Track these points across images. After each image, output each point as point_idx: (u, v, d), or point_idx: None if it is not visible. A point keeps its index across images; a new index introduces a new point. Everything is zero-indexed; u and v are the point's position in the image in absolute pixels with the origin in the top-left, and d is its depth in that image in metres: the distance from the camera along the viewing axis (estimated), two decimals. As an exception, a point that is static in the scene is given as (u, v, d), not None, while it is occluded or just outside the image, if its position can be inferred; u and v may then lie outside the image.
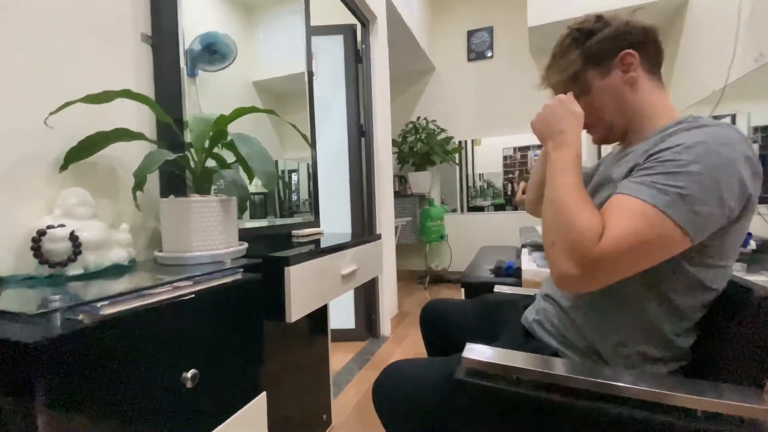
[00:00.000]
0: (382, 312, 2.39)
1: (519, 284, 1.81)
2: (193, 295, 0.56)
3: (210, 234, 0.70)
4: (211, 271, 0.62)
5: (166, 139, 0.84)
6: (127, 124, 0.80)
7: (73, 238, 0.61)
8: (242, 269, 0.68)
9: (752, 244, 1.74)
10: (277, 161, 1.44)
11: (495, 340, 0.86)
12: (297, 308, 0.76)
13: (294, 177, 1.51)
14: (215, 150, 0.83)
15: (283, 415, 1.13)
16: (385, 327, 2.41)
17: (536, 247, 2.04)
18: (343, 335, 2.30)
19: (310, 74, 1.45)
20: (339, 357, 2.09)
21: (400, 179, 4.20)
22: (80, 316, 0.46)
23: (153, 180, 0.86)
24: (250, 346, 0.69)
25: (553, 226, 0.62)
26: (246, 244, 0.79)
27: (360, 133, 2.28)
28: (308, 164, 1.48)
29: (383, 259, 2.40)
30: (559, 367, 0.60)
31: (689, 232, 0.54)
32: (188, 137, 0.79)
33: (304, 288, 0.80)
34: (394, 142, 3.77)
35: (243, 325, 0.68)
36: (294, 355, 1.20)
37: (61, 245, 0.60)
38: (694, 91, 2.54)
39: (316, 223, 1.41)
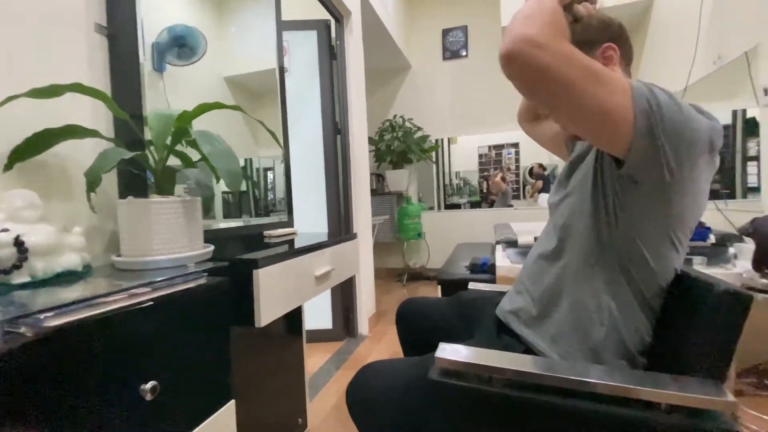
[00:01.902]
0: (359, 311, 2.38)
1: (493, 280, 1.84)
2: (151, 303, 0.53)
3: (172, 236, 0.66)
4: (172, 276, 0.59)
5: (125, 137, 0.79)
6: (81, 120, 0.75)
7: (18, 243, 0.57)
8: (206, 273, 0.65)
9: (712, 238, 1.83)
10: (251, 159, 1.40)
11: (470, 338, 0.86)
12: (267, 312, 0.74)
13: (270, 175, 1.47)
14: (180, 148, 0.79)
15: (256, 422, 1.10)
16: (363, 326, 2.40)
17: (510, 244, 2.07)
18: (320, 336, 2.28)
19: (282, 70, 1.41)
20: (316, 358, 2.06)
21: (378, 177, 4.19)
22: (22, 329, 0.42)
23: (111, 180, 0.81)
24: (217, 353, 0.66)
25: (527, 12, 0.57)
26: (212, 247, 0.76)
27: (336, 130, 2.25)
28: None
29: (360, 258, 2.39)
30: (530, 365, 0.61)
31: (636, 112, 0.52)
32: (149, 135, 0.74)
33: (275, 291, 0.78)
34: (371, 140, 3.76)
35: (209, 331, 0.65)
36: (267, 359, 1.17)
37: (5, 251, 0.56)
38: (658, 91, 2.64)
39: (289, 222, 1.38)
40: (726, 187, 2.14)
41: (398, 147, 3.81)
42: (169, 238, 0.66)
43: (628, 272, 0.64)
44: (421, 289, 3.63)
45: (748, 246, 1.65)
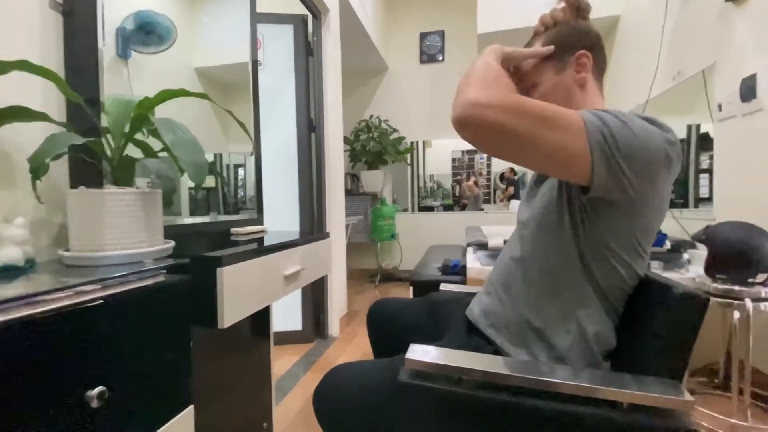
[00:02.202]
0: (330, 312, 2.34)
1: (464, 282, 1.86)
2: (101, 301, 0.49)
3: (128, 231, 0.62)
4: (126, 273, 0.55)
5: (79, 124, 0.73)
6: (28, 102, 0.68)
7: (-53, 234, 0.51)
8: (165, 271, 0.61)
9: (667, 244, 1.93)
10: (221, 154, 1.35)
11: (441, 339, 0.86)
12: (231, 313, 0.70)
13: (240, 172, 1.42)
14: (140, 138, 0.74)
15: (218, 427, 1.05)
16: (334, 327, 2.36)
17: (480, 246, 2.10)
18: (289, 337, 2.22)
19: (255, 63, 1.37)
20: (284, 360, 2.01)
21: (353, 177, 4.16)
22: (-54, 330, 0.37)
23: (61, 169, 0.75)
24: (175, 356, 0.62)
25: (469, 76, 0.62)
26: (173, 243, 0.71)
27: (310, 127, 2.21)
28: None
29: (333, 258, 2.35)
30: (498, 365, 0.61)
31: (592, 145, 0.54)
32: (106, 122, 0.69)
33: (240, 290, 0.74)
34: (347, 140, 3.73)
35: (167, 332, 0.61)
36: (232, 361, 1.12)
37: (-70, 243, 0.50)
38: (621, 104, 2.78)
39: (259, 220, 1.33)
40: (680, 196, 2.28)
41: (374, 147, 3.80)
42: (124, 233, 0.61)
43: (595, 281, 0.65)
44: (393, 290, 3.63)
45: (701, 252, 1.75)
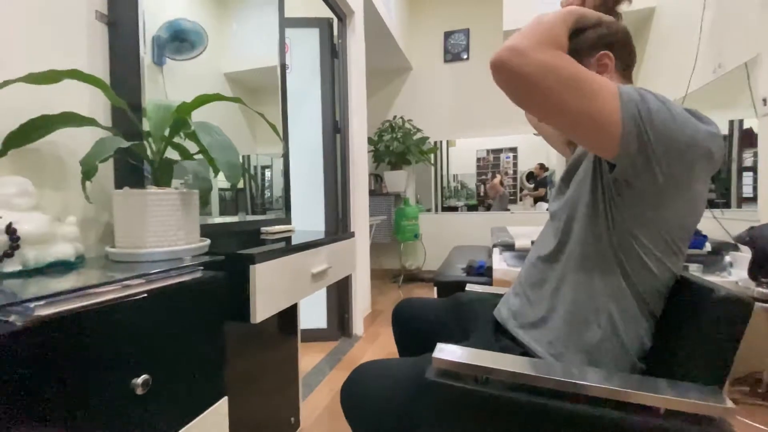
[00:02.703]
0: (354, 311, 2.37)
1: (490, 283, 1.84)
2: (145, 295, 0.52)
3: (168, 229, 0.65)
4: (167, 269, 0.58)
5: (123, 128, 0.78)
6: (77, 108, 0.73)
7: (10, 231, 0.55)
8: (202, 267, 0.64)
9: (708, 246, 1.84)
10: (249, 156, 1.39)
11: (466, 339, 0.85)
12: (263, 308, 0.73)
13: (267, 173, 1.46)
14: (178, 140, 0.78)
15: (248, 419, 1.09)
16: (358, 326, 2.39)
17: (507, 247, 2.07)
18: (314, 335, 2.26)
19: (283, 67, 1.40)
20: (310, 357, 2.05)
21: (376, 178, 4.18)
22: (11, 318, 0.41)
23: (107, 171, 0.80)
24: (211, 349, 0.65)
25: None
26: (208, 241, 0.75)
27: (335, 129, 2.24)
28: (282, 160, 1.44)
29: (357, 258, 2.38)
30: (526, 366, 0.60)
31: (624, 117, 0.53)
32: (147, 126, 0.73)
33: (271, 287, 0.77)
34: (370, 140, 3.75)
35: (203, 326, 0.64)
36: (261, 356, 1.16)
37: (-4, 239, 0.54)
38: (657, 99, 2.65)
39: (287, 220, 1.37)
40: (721, 196, 2.16)
41: (397, 148, 3.80)
42: (164, 231, 0.65)
43: (628, 276, 0.63)
44: (416, 291, 3.63)
45: (743, 255, 1.65)
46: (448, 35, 4.06)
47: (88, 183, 0.64)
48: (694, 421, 0.51)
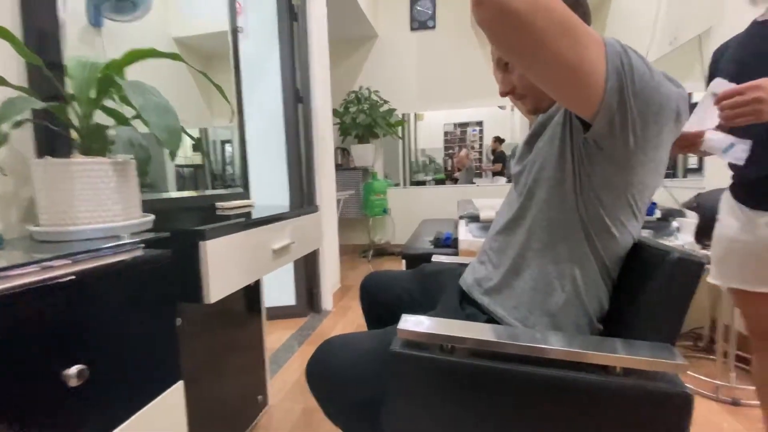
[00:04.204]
0: (323, 286, 2.34)
1: (456, 254, 1.86)
2: (72, 277, 0.46)
3: (100, 203, 0.58)
4: (98, 248, 0.52)
5: (44, 90, 0.68)
6: (-19, 66, 0.63)
7: None
8: (143, 245, 0.58)
9: (657, 213, 1.94)
10: (206, 130, 1.29)
11: (433, 309, 0.85)
12: (217, 287, 0.68)
13: (228, 148, 1.37)
14: (112, 105, 0.69)
15: (212, 401, 1.05)
16: (327, 301, 2.37)
17: (472, 219, 2.09)
18: (283, 312, 2.23)
19: (235, 30, 1.29)
20: (278, 334, 2.02)
21: (343, 151, 4.08)
22: None
23: (26, 139, 0.70)
24: (159, 331, 0.60)
25: None
26: (152, 216, 0.68)
27: (296, 98, 2.13)
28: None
29: (324, 233, 2.33)
30: (490, 333, 0.60)
31: (609, 69, 0.50)
32: (72, 88, 0.64)
33: (226, 264, 0.72)
34: (336, 112, 3.63)
35: (149, 308, 0.58)
36: (224, 336, 1.11)
37: None
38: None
39: (245, 194, 1.29)
40: (669, 167, 2.29)
41: (364, 120, 3.70)
42: (96, 205, 0.58)
43: (592, 240, 0.64)
44: (386, 265, 3.65)
45: (689, 221, 1.76)
46: (414, 1, 3.92)
47: (0, 152, 0.55)
48: (649, 378, 0.53)
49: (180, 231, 0.65)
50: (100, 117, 0.67)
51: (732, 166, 0.95)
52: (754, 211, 0.90)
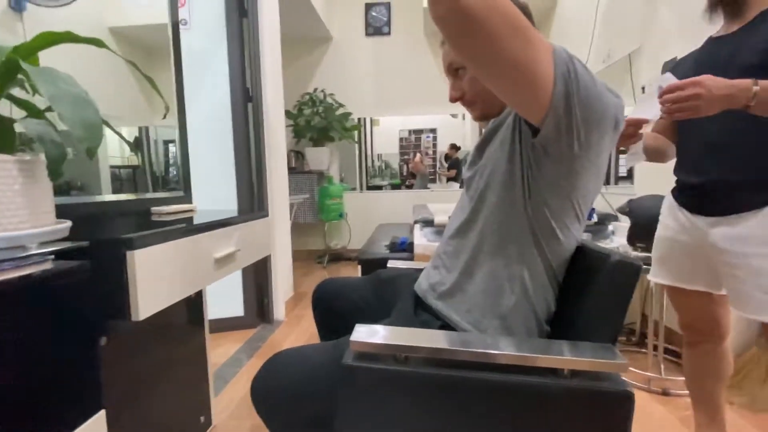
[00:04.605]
0: (275, 295, 2.24)
1: (412, 258, 1.86)
2: (-46, 297, 0.38)
3: (2, 208, 0.49)
4: (-7, 261, 0.44)
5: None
6: None
7: None
8: (53, 256, 0.50)
9: (595, 218, 2.08)
10: (147, 129, 1.19)
11: (388, 316, 0.83)
12: (147, 303, 0.61)
13: (172, 148, 1.27)
14: (21, 95, 0.60)
15: (146, 427, 0.95)
16: (279, 311, 2.27)
17: (427, 223, 2.11)
18: (230, 324, 2.10)
19: (176, 23, 1.20)
20: (225, 348, 1.90)
21: (297, 154, 3.98)
22: None
23: None
24: (75, 355, 0.52)
25: None
26: (68, 223, 0.59)
27: (246, 97, 2.03)
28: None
29: (276, 238, 2.24)
30: (443, 341, 0.59)
31: (557, 74, 0.51)
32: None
33: (159, 277, 0.65)
34: (289, 114, 3.53)
35: (64, 328, 0.51)
36: (161, 354, 1.01)
37: None
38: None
39: (186, 198, 1.20)
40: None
41: (319, 123, 3.64)
42: (-6, 210, 0.49)
43: (539, 243, 0.65)
44: (342, 270, 3.59)
45: (623, 224, 1.90)
46: (369, 7, 3.94)
47: None
48: (594, 378, 0.54)
49: (101, 240, 0.58)
50: (5, 108, 0.58)
51: (676, 171, 1.03)
52: (694, 215, 0.97)
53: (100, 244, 0.57)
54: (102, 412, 0.57)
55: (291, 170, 3.45)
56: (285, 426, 0.68)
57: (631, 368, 1.59)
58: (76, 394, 0.53)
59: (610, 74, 2.31)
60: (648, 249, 1.54)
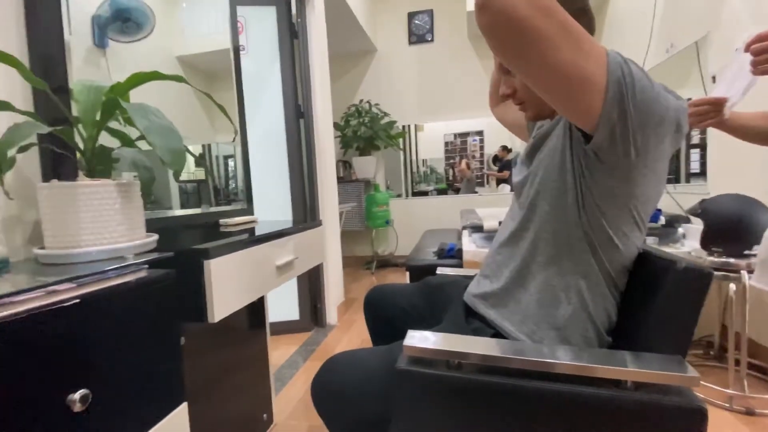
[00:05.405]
0: (327, 300, 2.33)
1: (461, 265, 1.85)
2: (76, 300, 0.46)
3: (105, 225, 0.58)
4: (103, 270, 0.52)
5: (49, 114, 0.69)
6: (-11, 92, 0.64)
7: None
8: (147, 265, 0.58)
9: (662, 219, 1.93)
10: (209, 146, 1.31)
11: (438, 323, 0.84)
12: (221, 306, 0.68)
13: (231, 163, 1.39)
14: (117, 127, 0.70)
15: (216, 421, 1.04)
16: (332, 315, 2.36)
17: (476, 229, 2.09)
18: (286, 327, 2.21)
19: (237, 48, 1.31)
20: (282, 350, 2.00)
21: (345, 164, 4.11)
22: None
23: (32, 162, 0.71)
24: (163, 353, 0.60)
25: None
26: (156, 236, 0.68)
27: (298, 114, 2.15)
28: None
29: (327, 246, 2.33)
30: (497, 348, 0.59)
31: (609, 80, 0.50)
32: (77, 111, 0.65)
33: (230, 283, 0.72)
34: (337, 126, 3.66)
35: (153, 329, 0.58)
36: (228, 354, 1.10)
37: None
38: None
39: (248, 210, 1.30)
40: (671, 172, 2.28)
41: (365, 133, 3.73)
42: (101, 227, 0.58)
43: (596, 251, 0.63)
44: (389, 276, 3.63)
45: (695, 226, 1.75)
46: (412, 16, 3.99)
47: (5, 176, 0.56)
48: (661, 391, 0.52)
49: (184, 250, 0.65)
50: (104, 138, 0.68)
51: None
52: None
53: (182, 254, 0.65)
54: (184, 404, 0.64)
55: (339, 180, 3.57)
56: (343, 425, 0.72)
57: (708, 384, 1.45)
58: (165, 386, 0.60)
59: (675, 65, 2.14)
60: (726, 254, 1.41)
